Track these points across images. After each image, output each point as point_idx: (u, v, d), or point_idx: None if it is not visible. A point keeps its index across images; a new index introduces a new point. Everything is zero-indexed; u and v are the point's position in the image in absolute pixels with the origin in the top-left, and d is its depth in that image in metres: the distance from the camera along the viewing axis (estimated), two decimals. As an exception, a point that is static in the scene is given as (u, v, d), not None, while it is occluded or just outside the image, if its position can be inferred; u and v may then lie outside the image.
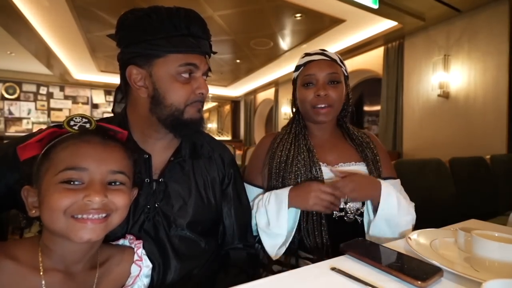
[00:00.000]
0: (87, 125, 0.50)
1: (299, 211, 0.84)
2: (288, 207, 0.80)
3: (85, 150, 0.48)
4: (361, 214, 0.86)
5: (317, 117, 0.91)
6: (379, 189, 0.80)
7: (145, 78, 0.65)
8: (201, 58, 0.67)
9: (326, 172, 0.87)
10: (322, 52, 0.93)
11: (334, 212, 0.84)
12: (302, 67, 0.95)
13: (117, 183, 0.50)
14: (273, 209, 0.81)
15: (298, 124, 0.98)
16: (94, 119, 0.51)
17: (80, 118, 0.50)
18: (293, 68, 0.99)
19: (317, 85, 0.90)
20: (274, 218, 0.81)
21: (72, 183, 0.46)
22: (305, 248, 0.85)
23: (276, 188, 0.88)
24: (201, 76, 0.68)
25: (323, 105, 0.89)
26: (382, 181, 0.82)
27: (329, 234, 0.82)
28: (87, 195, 0.45)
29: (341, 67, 0.94)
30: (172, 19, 0.63)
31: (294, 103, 1.02)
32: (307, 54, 0.95)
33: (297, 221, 0.83)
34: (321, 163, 0.88)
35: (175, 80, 0.65)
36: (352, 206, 0.85)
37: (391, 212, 0.79)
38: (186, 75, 0.66)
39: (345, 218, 0.85)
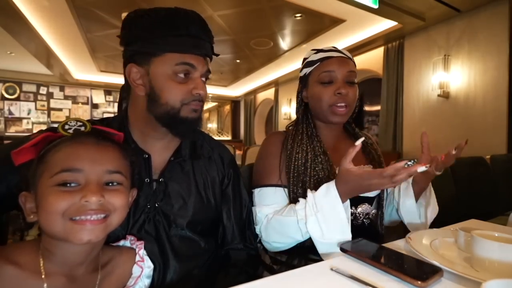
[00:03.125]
0: (82, 128, 0.50)
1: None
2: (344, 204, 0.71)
3: (79, 151, 0.47)
4: (369, 218, 0.85)
5: (333, 117, 0.85)
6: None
7: (143, 77, 0.66)
8: (199, 59, 0.67)
9: None
10: (337, 49, 0.88)
11: None
12: (319, 63, 0.88)
13: (114, 184, 0.50)
14: (327, 216, 0.70)
15: (309, 125, 0.92)
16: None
17: (75, 122, 0.51)
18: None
19: (337, 83, 0.85)
20: (331, 223, 0.70)
21: (68, 185, 0.45)
22: (315, 252, 0.79)
23: (295, 193, 0.82)
24: (199, 77, 0.68)
25: (342, 104, 0.84)
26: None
27: None
28: (83, 196, 0.45)
29: (355, 66, 0.90)
30: (171, 19, 0.64)
31: (300, 102, 0.95)
32: (319, 50, 0.89)
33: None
34: (335, 167, 0.83)
35: (171, 79, 0.65)
36: (362, 211, 0.83)
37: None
38: (182, 75, 0.65)
39: (354, 223, 0.82)
